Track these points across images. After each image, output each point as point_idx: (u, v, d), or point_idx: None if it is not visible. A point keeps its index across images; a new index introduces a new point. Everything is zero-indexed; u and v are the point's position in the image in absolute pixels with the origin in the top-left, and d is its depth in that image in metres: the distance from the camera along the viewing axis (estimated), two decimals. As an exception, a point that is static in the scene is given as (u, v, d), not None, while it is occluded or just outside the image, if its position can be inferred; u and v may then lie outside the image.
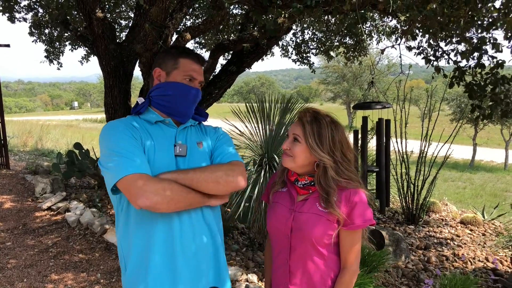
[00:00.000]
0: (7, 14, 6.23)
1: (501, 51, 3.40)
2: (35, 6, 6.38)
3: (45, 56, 7.31)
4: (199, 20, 7.02)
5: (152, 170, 1.57)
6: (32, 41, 7.04)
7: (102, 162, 1.55)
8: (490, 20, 3.29)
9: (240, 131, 4.87)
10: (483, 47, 3.41)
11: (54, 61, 7.40)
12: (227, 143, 1.84)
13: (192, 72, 1.70)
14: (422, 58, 4.02)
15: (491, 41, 3.40)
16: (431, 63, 3.96)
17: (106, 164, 1.53)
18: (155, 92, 1.72)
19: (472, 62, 3.59)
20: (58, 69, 7.51)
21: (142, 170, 1.48)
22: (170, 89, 1.70)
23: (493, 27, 3.27)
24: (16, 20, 6.57)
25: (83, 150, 6.60)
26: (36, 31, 6.81)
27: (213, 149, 1.80)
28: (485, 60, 3.50)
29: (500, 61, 3.46)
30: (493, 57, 3.46)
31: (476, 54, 3.50)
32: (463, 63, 3.72)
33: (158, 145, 1.64)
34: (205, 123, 1.92)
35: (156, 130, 1.68)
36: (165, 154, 1.64)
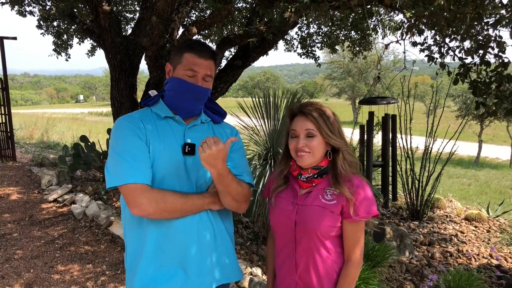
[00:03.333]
0: (16, 8, 6.25)
1: (504, 52, 3.38)
2: (42, -1, 6.41)
3: (53, 50, 7.34)
4: (205, 13, 7.02)
5: (159, 169, 1.59)
6: (41, 33, 7.06)
7: (107, 160, 1.59)
8: (497, 17, 3.27)
9: (246, 125, 4.87)
10: (488, 45, 3.39)
11: (62, 53, 7.43)
12: (242, 153, 1.84)
13: (192, 66, 1.65)
14: (426, 56, 4.00)
15: (497, 39, 3.38)
16: (434, 60, 3.94)
17: (108, 164, 1.57)
18: (165, 87, 1.73)
19: (477, 60, 3.57)
20: (67, 60, 7.54)
21: (140, 180, 1.51)
22: (173, 85, 1.69)
23: (499, 25, 3.25)
24: (26, 13, 6.60)
25: (89, 143, 6.63)
26: (44, 24, 6.84)
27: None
28: (491, 58, 3.48)
29: (506, 60, 3.43)
30: (498, 56, 3.43)
31: (481, 51, 3.48)
32: (468, 59, 3.70)
33: (166, 143, 1.64)
34: None
35: (164, 126, 1.67)
36: (173, 153, 1.64)
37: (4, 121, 8.20)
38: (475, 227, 6.20)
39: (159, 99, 1.74)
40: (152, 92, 1.74)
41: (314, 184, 1.72)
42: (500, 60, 3.44)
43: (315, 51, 7.26)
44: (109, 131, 6.36)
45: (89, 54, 7.83)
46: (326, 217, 1.65)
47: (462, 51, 3.72)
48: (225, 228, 1.79)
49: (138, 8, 7.16)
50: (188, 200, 1.58)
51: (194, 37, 4.24)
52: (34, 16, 6.77)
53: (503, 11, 3.25)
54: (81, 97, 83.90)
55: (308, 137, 1.67)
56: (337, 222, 1.65)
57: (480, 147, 22.07)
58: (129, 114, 1.70)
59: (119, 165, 1.53)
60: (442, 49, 3.98)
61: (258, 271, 3.90)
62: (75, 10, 5.76)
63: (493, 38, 3.40)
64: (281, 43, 7.86)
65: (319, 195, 1.69)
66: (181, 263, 1.65)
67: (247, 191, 1.76)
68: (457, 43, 3.77)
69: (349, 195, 1.62)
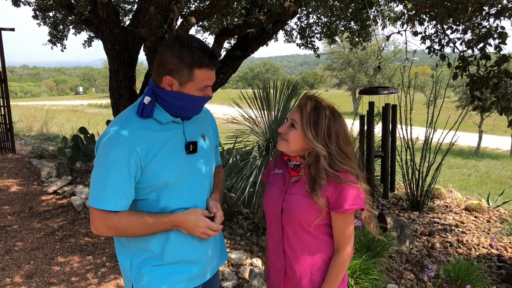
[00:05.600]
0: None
1: (506, 44, 3.35)
2: (39, -11, 6.35)
3: (48, 40, 7.28)
4: (204, 4, 6.96)
5: (170, 176, 1.59)
6: (37, 23, 7.00)
7: (92, 173, 1.57)
8: (499, 7, 3.24)
9: (247, 116, 4.86)
10: (489, 36, 3.36)
11: (57, 43, 7.36)
12: (218, 137, 1.98)
13: (207, 81, 1.60)
14: (426, 48, 3.97)
15: (498, 30, 3.35)
16: (435, 52, 3.91)
17: (92, 179, 1.56)
18: (165, 96, 1.60)
19: (477, 52, 3.54)
20: (62, 51, 7.47)
21: (114, 207, 1.51)
22: (184, 101, 1.60)
23: (501, 16, 3.22)
24: (20, 3, 6.55)
25: (88, 135, 6.62)
26: (40, 14, 6.78)
27: (215, 139, 1.91)
28: (491, 52, 3.45)
29: (507, 55, 3.40)
30: (498, 47, 3.40)
31: (481, 44, 3.45)
32: (469, 52, 3.67)
33: (171, 148, 1.61)
34: (210, 107, 1.92)
35: (165, 131, 1.63)
36: (179, 156, 1.63)
37: (3, 113, 8.17)
38: (475, 217, 6.21)
39: (155, 104, 1.63)
40: (147, 100, 1.61)
41: (300, 174, 1.72)
42: (501, 53, 3.40)
43: (314, 41, 7.22)
44: (108, 122, 6.34)
45: (86, 44, 7.77)
46: (309, 207, 1.65)
47: (463, 43, 3.70)
48: None
49: (136, -1, 7.11)
50: (150, 228, 1.58)
51: (193, 28, 4.20)
52: (30, 6, 6.70)
53: (505, 1, 3.22)
54: (81, 89, 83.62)
55: (290, 126, 1.69)
56: (320, 211, 1.65)
57: (480, 138, 22.08)
58: (127, 125, 1.57)
59: (93, 186, 1.54)
60: (443, 40, 3.96)
61: (258, 262, 3.91)
62: (72, 0, 5.70)
63: (494, 29, 3.37)
64: (281, 34, 7.83)
65: (305, 184, 1.69)
66: (191, 258, 1.70)
67: (223, 174, 2.03)
68: (458, 35, 3.75)
69: (322, 204, 1.62)
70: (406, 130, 6.37)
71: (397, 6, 6.47)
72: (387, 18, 6.76)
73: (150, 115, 1.59)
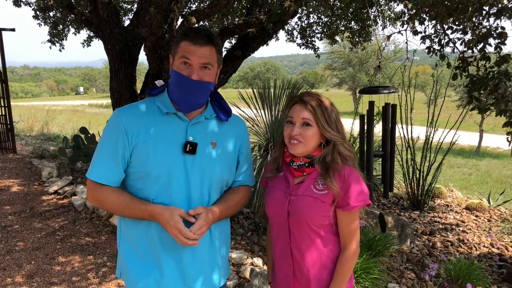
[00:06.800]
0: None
1: (505, 44, 3.35)
2: (39, -11, 6.35)
3: (48, 40, 7.28)
4: (205, 4, 6.96)
5: (154, 168, 1.58)
6: (37, 23, 7.01)
7: None
8: (499, 7, 3.25)
9: (247, 115, 4.86)
10: (488, 36, 3.36)
11: (56, 43, 7.37)
12: (250, 153, 1.89)
13: (186, 54, 1.56)
14: (426, 48, 3.97)
15: (498, 30, 3.35)
16: (435, 52, 3.92)
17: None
18: (170, 80, 1.67)
19: (477, 53, 3.55)
20: (60, 50, 7.47)
21: (95, 178, 1.61)
22: (172, 78, 1.62)
23: (501, 15, 3.22)
24: (21, 3, 6.55)
25: (89, 135, 6.62)
26: (41, 14, 6.79)
27: (239, 155, 1.80)
28: (491, 53, 3.45)
29: (506, 55, 3.40)
30: (498, 47, 3.40)
31: (480, 44, 3.45)
32: (468, 52, 3.68)
33: (163, 141, 1.60)
34: None
35: (165, 123, 1.62)
36: (170, 152, 1.60)
37: (4, 113, 8.18)
38: (476, 216, 6.20)
39: (164, 90, 1.68)
40: (159, 82, 1.69)
41: (305, 174, 1.72)
42: (500, 53, 3.41)
43: (314, 41, 7.22)
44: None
45: (85, 44, 7.77)
46: (317, 208, 1.66)
47: (463, 43, 3.70)
48: (222, 230, 1.79)
49: (136, -1, 7.11)
50: (126, 209, 1.61)
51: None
52: (30, 6, 6.70)
53: (505, 1, 3.22)
54: (81, 89, 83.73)
55: (303, 126, 1.67)
56: (329, 211, 1.66)
57: (481, 137, 22.04)
58: (128, 108, 1.66)
59: (93, 161, 1.65)
60: (442, 40, 3.96)
61: (259, 261, 3.91)
62: (73, 0, 5.71)
63: (494, 29, 3.37)
64: (282, 34, 7.83)
65: (310, 185, 1.70)
66: (165, 262, 1.64)
67: (247, 195, 1.87)
68: (458, 35, 3.75)
69: (336, 189, 1.63)
70: (407, 129, 6.37)
71: (397, 6, 6.47)
72: (387, 18, 6.76)
73: (154, 93, 1.69)
